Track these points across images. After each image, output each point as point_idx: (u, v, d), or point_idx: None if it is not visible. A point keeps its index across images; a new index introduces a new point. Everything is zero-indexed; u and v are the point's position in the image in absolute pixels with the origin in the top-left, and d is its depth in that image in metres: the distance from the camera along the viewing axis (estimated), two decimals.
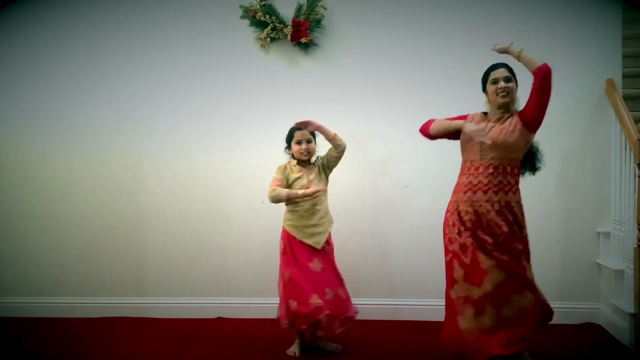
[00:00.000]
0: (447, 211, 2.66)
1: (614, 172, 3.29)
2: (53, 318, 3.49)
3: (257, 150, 3.52)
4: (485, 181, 2.53)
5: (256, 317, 3.43)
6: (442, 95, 3.36)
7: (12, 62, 3.62)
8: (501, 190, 2.53)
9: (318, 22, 3.42)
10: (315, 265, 2.78)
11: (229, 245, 3.54)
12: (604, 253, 3.34)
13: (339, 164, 2.96)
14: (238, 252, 3.53)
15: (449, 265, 2.61)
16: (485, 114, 2.66)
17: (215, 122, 3.54)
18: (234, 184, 3.54)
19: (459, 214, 2.57)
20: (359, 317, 2.92)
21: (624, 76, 3.37)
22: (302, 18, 3.41)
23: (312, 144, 2.89)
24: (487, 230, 2.52)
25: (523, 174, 2.66)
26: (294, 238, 2.83)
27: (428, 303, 3.39)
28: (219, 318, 3.50)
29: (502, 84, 2.55)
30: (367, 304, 3.35)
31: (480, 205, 2.53)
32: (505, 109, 2.59)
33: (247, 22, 3.47)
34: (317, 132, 2.89)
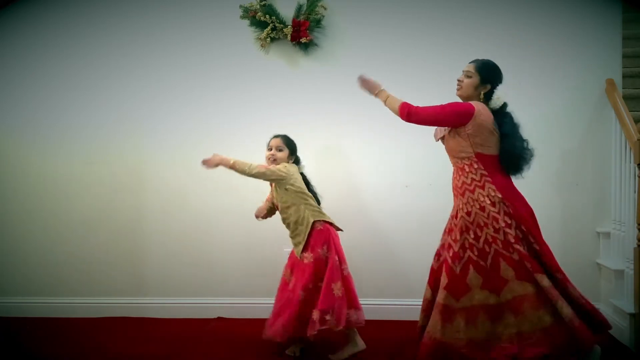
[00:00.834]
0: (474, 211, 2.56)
1: (614, 172, 3.29)
2: (53, 318, 3.49)
3: (257, 150, 3.51)
4: (454, 184, 2.63)
5: (256, 317, 3.43)
6: (442, 95, 3.32)
7: (12, 62, 3.62)
8: (467, 190, 2.54)
9: (318, 22, 3.42)
10: (288, 277, 2.87)
11: (229, 246, 3.54)
12: (604, 253, 3.34)
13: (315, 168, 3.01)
14: (238, 252, 3.53)
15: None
16: None
17: (215, 122, 3.54)
18: (234, 183, 3.53)
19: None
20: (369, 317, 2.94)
21: (624, 76, 3.37)
22: (302, 18, 3.41)
23: (281, 154, 2.86)
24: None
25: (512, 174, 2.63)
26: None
27: None
28: (219, 318, 3.50)
29: (461, 77, 2.61)
30: (368, 304, 3.35)
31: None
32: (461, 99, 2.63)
33: (247, 22, 3.47)
34: (295, 146, 2.94)
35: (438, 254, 2.68)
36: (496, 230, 2.46)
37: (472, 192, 2.53)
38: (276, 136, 2.93)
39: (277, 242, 3.45)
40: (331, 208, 2.95)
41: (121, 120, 3.57)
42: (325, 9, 3.42)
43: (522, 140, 2.61)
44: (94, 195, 3.59)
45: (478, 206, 2.50)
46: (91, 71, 3.58)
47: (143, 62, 3.57)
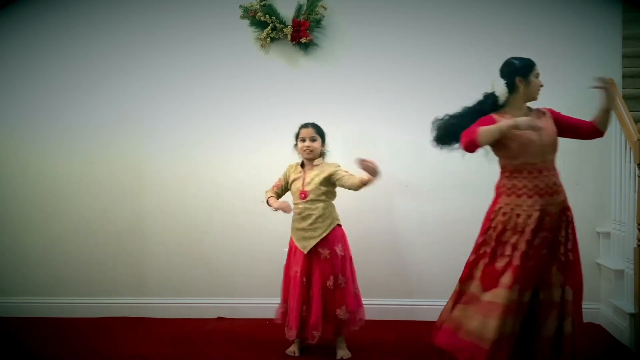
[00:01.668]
0: (497, 212, 2.46)
1: (614, 172, 3.29)
2: (53, 318, 3.49)
3: (257, 150, 3.53)
4: (544, 183, 2.44)
5: (256, 317, 3.43)
6: (442, 95, 3.35)
7: (12, 62, 3.62)
8: (555, 192, 2.46)
9: (318, 22, 3.42)
10: (296, 271, 2.80)
11: (229, 246, 3.54)
12: (604, 253, 3.34)
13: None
14: (238, 252, 3.53)
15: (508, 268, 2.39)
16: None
17: (215, 122, 3.54)
18: (234, 184, 3.54)
19: (517, 216, 2.40)
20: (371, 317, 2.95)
21: (624, 76, 3.37)
22: (302, 18, 3.41)
23: (317, 143, 2.85)
24: (554, 235, 2.41)
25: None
26: (292, 240, 2.87)
27: (431, 303, 3.39)
28: (219, 318, 3.50)
29: (540, 81, 2.52)
30: (368, 304, 3.36)
31: (545, 210, 2.40)
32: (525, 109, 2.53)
33: (247, 22, 3.47)
34: (324, 132, 2.91)
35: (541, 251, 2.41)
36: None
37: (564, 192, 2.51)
38: (306, 126, 2.86)
39: (277, 242, 3.44)
40: None
41: (121, 120, 3.57)
42: (325, 9, 3.42)
43: None
44: (94, 195, 3.59)
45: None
46: (91, 71, 3.58)
47: (143, 62, 3.57)
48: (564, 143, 3.36)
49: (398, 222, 3.46)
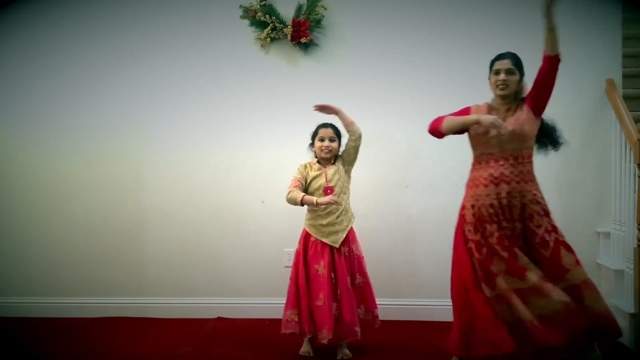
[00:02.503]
0: (464, 207, 2.58)
1: (614, 172, 3.29)
2: (53, 318, 3.49)
3: (257, 150, 3.53)
4: (507, 172, 2.49)
5: (256, 317, 3.43)
6: (443, 95, 3.36)
7: (12, 62, 3.62)
8: (522, 180, 2.50)
9: (318, 22, 3.42)
10: (321, 268, 2.74)
11: (229, 245, 3.54)
12: (604, 253, 3.34)
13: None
14: (238, 252, 3.53)
15: (484, 259, 2.48)
16: (489, 104, 2.62)
17: (215, 122, 3.54)
18: (234, 183, 3.54)
19: (479, 208, 2.50)
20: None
21: (624, 76, 3.37)
22: (302, 18, 3.41)
23: (335, 143, 2.87)
24: (513, 222, 2.49)
25: (546, 151, 2.65)
26: (310, 237, 2.81)
27: (431, 303, 3.39)
28: (219, 318, 3.50)
29: (502, 76, 2.55)
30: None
31: (504, 198, 2.47)
32: (510, 99, 2.58)
33: (247, 22, 3.47)
34: (342, 134, 2.91)
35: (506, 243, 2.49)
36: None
37: (533, 181, 2.55)
38: (325, 125, 2.87)
39: (277, 242, 3.45)
40: None
41: (121, 121, 3.57)
42: (325, 9, 3.42)
43: None
44: (93, 196, 3.58)
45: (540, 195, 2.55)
46: (91, 71, 3.58)
47: (143, 62, 3.57)
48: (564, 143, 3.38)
49: (398, 222, 3.46)
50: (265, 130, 3.51)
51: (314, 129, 2.92)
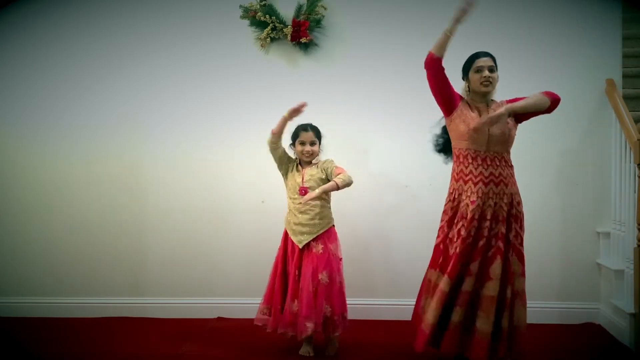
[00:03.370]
0: (448, 195, 2.65)
1: (614, 172, 3.29)
2: (53, 318, 3.49)
3: (257, 150, 3.51)
4: (487, 173, 2.50)
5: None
6: None
7: (12, 62, 3.61)
8: (510, 183, 2.53)
9: (318, 22, 3.42)
10: (291, 269, 2.80)
11: (229, 245, 3.54)
12: (604, 253, 3.34)
13: None
14: (238, 252, 3.53)
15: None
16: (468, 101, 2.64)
17: (215, 122, 3.54)
18: (233, 183, 3.54)
19: (464, 204, 2.53)
20: (362, 317, 2.92)
21: (624, 76, 3.37)
22: (302, 18, 3.41)
23: (316, 146, 2.89)
24: (498, 224, 2.50)
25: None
26: (287, 233, 2.88)
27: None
28: (219, 318, 3.50)
29: (486, 73, 2.56)
30: (368, 304, 3.36)
31: (490, 198, 2.49)
32: (486, 97, 2.61)
33: (247, 22, 3.47)
34: (321, 134, 2.93)
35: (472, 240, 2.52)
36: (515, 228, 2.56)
37: (514, 185, 2.57)
38: (306, 129, 2.88)
39: (277, 242, 3.44)
40: (331, 208, 2.94)
41: (121, 120, 3.57)
42: (325, 9, 3.42)
43: None
44: (93, 195, 3.58)
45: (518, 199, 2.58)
46: (91, 71, 3.58)
47: (143, 62, 3.57)
48: (564, 143, 3.39)
49: (398, 221, 3.46)
50: (265, 130, 3.48)
51: (293, 129, 2.92)
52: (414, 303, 3.17)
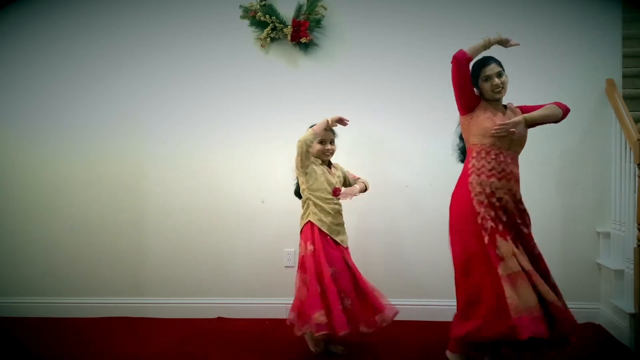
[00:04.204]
0: (469, 191, 2.57)
1: (614, 172, 3.29)
2: (53, 318, 3.49)
3: (257, 150, 3.53)
4: (508, 170, 2.56)
5: (256, 317, 3.44)
6: (443, 96, 3.35)
7: (12, 62, 3.62)
8: (518, 181, 2.60)
9: (318, 22, 3.42)
10: (331, 269, 2.73)
11: (229, 245, 3.54)
12: (604, 253, 3.34)
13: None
14: (238, 252, 3.53)
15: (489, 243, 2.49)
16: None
17: (215, 122, 3.54)
18: (234, 183, 3.54)
19: (487, 195, 2.53)
20: None
21: (624, 76, 3.37)
22: (302, 18, 3.41)
23: (334, 145, 2.92)
24: (511, 220, 2.56)
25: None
26: (325, 235, 2.78)
27: (431, 303, 3.39)
28: (219, 318, 3.50)
29: (495, 80, 2.58)
30: None
31: (505, 194, 2.54)
32: (500, 101, 2.65)
33: (247, 22, 3.47)
34: (337, 133, 2.96)
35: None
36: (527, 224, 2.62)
37: (517, 182, 2.62)
38: (326, 128, 2.85)
39: (277, 242, 3.45)
40: None
41: (121, 120, 3.57)
42: (325, 9, 3.42)
43: None
44: (94, 196, 3.59)
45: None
46: (91, 71, 3.58)
47: (143, 62, 3.57)
48: (564, 143, 3.39)
49: (398, 222, 3.46)
50: (265, 130, 3.51)
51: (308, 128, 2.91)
52: (415, 303, 3.21)
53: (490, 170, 2.55)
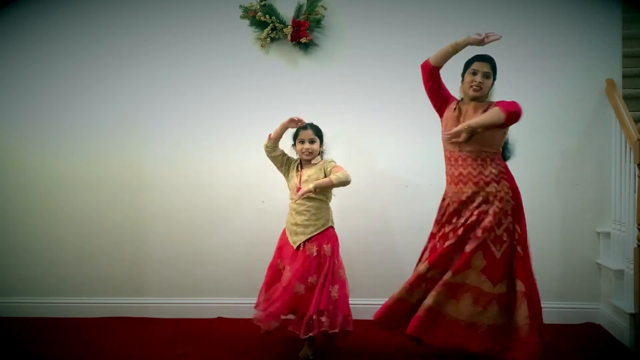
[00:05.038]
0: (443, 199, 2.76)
1: (614, 172, 3.29)
2: (53, 318, 3.49)
3: (257, 150, 3.51)
4: (465, 172, 2.58)
5: None
6: None
7: (12, 62, 3.61)
8: (481, 181, 2.56)
9: (318, 22, 3.42)
10: (286, 272, 2.81)
11: (229, 245, 3.54)
12: (604, 253, 3.34)
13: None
14: (238, 252, 3.53)
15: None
16: (458, 101, 2.70)
17: (215, 122, 3.54)
18: (234, 183, 3.54)
19: (447, 204, 2.67)
20: (361, 317, 2.91)
21: (624, 76, 3.37)
22: (302, 18, 3.41)
23: (316, 144, 2.89)
24: (463, 223, 2.59)
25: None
26: (284, 233, 2.91)
27: None
28: (219, 318, 3.50)
29: (478, 78, 2.57)
30: (369, 304, 3.35)
31: (459, 197, 2.61)
32: (479, 100, 2.62)
33: (247, 22, 3.47)
34: (322, 133, 2.95)
35: (444, 236, 2.66)
36: (518, 223, 2.57)
37: (498, 183, 2.57)
38: (305, 127, 2.88)
39: (277, 242, 3.45)
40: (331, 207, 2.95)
41: (121, 120, 3.57)
42: (325, 9, 3.42)
43: None
44: (94, 195, 3.58)
45: (503, 195, 2.55)
46: (91, 71, 3.58)
47: (143, 62, 3.56)
48: (564, 143, 3.39)
49: (398, 222, 3.46)
50: (266, 130, 3.49)
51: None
52: None
53: (450, 175, 2.67)
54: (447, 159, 2.69)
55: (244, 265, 3.52)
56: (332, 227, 2.88)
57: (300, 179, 2.87)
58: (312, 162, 2.92)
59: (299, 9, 3.43)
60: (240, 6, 3.45)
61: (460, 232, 2.56)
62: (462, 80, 2.67)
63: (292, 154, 3.01)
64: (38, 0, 3.59)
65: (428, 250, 2.73)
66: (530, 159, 3.33)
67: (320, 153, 2.95)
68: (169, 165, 3.56)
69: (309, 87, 3.48)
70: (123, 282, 3.57)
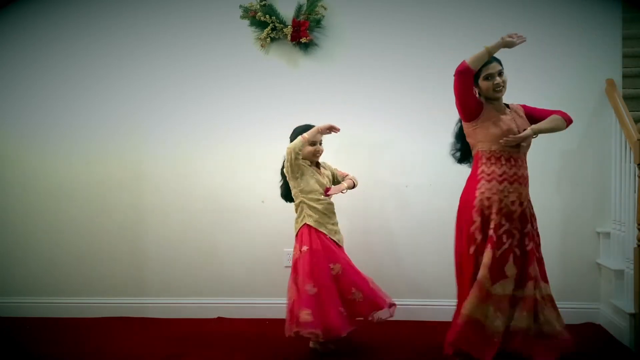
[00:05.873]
0: (474, 197, 2.57)
1: (614, 172, 3.29)
2: (53, 318, 3.49)
3: (257, 150, 3.53)
4: (520, 173, 2.61)
5: (256, 317, 3.43)
6: (443, 96, 3.35)
7: (12, 62, 3.62)
8: (523, 183, 2.63)
9: (318, 22, 3.42)
10: (336, 268, 2.77)
11: (229, 245, 3.54)
12: (604, 253, 3.34)
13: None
14: (238, 252, 3.53)
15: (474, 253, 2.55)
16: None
17: (215, 122, 3.54)
18: (233, 183, 3.54)
19: (493, 201, 2.56)
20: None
21: (624, 76, 3.37)
22: (302, 18, 3.41)
23: (322, 146, 2.93)
24: (519, 225, 2.59)
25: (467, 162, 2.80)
26: (324, 235, 2.81)
27: (431, 303, 3.39)
28: (219, 318, 3.50)
29: (497, 79, 2.58)
30: None
31: (516, 197, 2.59)
32: (500, 100, 2.66)
33: (247, 22, 3.47)
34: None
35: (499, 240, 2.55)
36: (535, 228, 2.65)
37: (527, 185, 2.65)
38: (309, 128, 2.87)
39: (277, 242, 3.45)
40: None
41: (121, 120, 3.57)
42: (325, 9, 3.42)
43: None
44: (94, 195, 3.58)
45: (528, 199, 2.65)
46: (91, 71, 3.58)
47: (143, 62, 3.57)
48: (564, 143, 3.38)
49: (398, 222, 3.46)
50: (265, 130, 3.51)
51: (296, 129, 2.92)
52: (415, 303, 3.20)
53: (500, 175, 2.58)
54: (497, 158, 2.59)
55: (244, 265, 3.53)
56: None
57: (324, 179, 2.91)
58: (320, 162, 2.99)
59: (299, 9, 3.43)
60: (240, 6, 3.45)
61: (535, 238, 2.63)
62: (479, 88, 2.64)
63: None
64: (38, 0, 3.59)
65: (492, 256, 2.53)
66: (531, 159, 3.32)
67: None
68: (169, 165, 3.56)
69: (309, 87, 3.48)
70: (123, 282, 3.57)
